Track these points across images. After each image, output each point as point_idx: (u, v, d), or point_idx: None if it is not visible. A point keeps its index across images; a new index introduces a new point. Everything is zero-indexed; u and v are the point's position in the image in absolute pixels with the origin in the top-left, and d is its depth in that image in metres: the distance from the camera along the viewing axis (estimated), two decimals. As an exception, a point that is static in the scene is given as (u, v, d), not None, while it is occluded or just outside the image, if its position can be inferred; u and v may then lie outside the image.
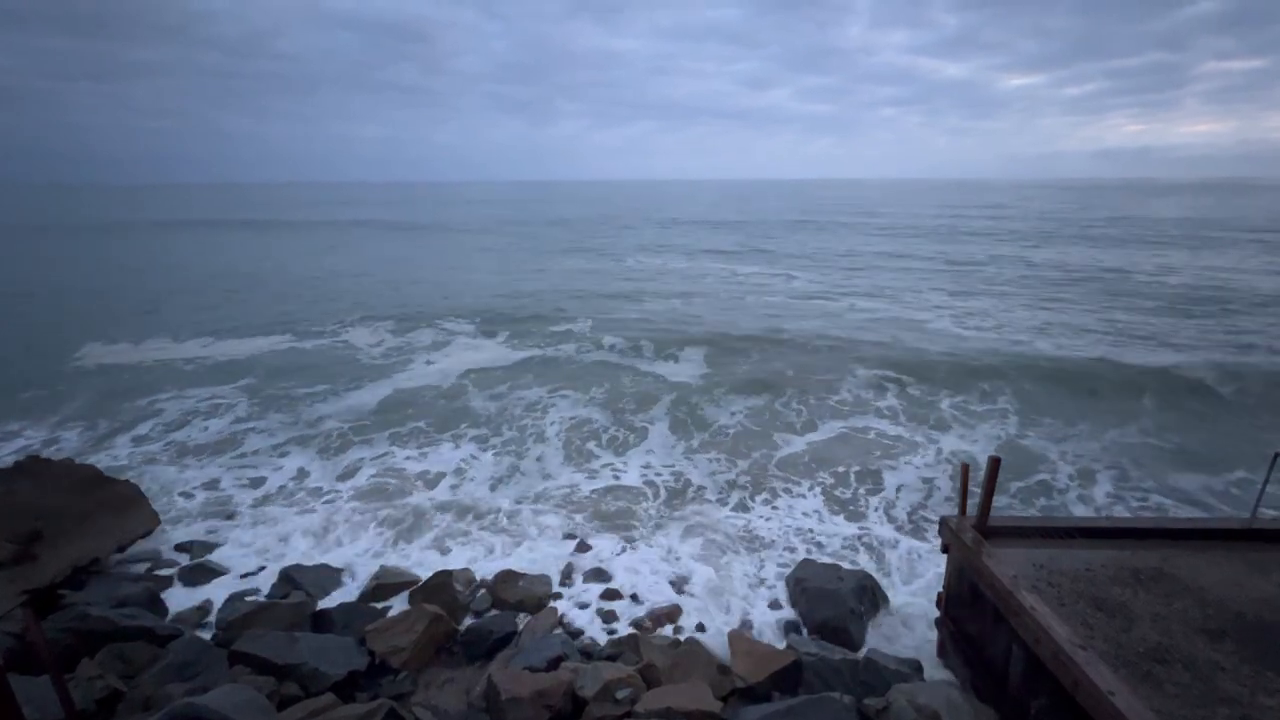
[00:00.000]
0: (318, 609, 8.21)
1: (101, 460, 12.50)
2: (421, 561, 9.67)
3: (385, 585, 8.78)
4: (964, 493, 7.27)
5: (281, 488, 12.02)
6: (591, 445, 13.73)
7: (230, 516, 10.89)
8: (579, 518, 10.86)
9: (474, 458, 13.25)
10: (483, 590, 8.86)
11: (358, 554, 9.85)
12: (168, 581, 8.96)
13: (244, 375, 18.24)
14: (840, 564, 9.05)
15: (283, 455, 13.32)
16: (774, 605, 8.54)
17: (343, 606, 8.35)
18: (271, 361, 19.64)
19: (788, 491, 11.74)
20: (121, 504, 10.05)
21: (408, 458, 13.20)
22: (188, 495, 11.65)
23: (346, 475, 12.48)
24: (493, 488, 12.05)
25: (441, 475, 12.48)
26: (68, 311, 26.97)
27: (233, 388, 17.25)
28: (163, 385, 17.31)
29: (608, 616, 8.34)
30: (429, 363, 19.59)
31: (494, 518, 10.90)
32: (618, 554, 9.76)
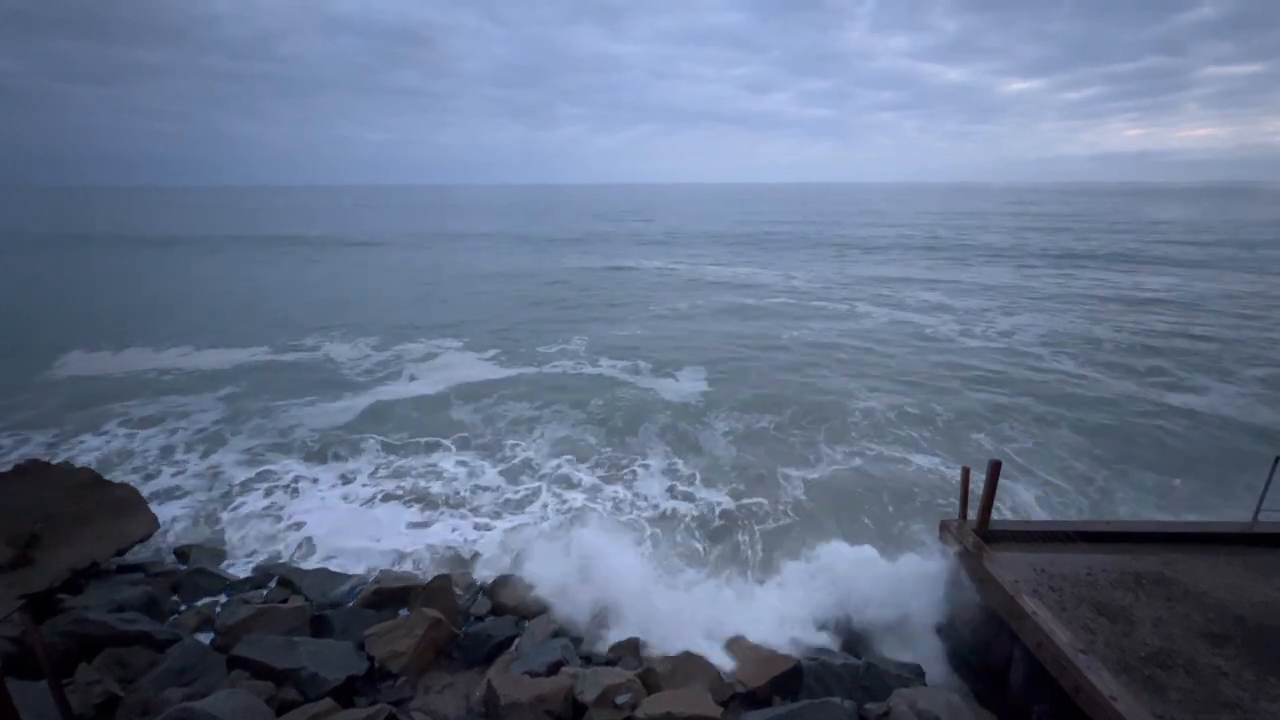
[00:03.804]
0: (317, 613, 8.17)
1: (91, 465, 12.38)
2: (420, 562, 9.66)
3: (385, 589, 8.74)
4: (964, 496, 7.25)
5: (277, 492, 11.94)
6: (587, 457, 13.44)
7: (230, 520, 10.82)
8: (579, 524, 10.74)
9: (469, 463, 13.10)
10: (482, 594, 8.83)
11: (358, 556, 9.80)
12: (166, 585, 8.91)
13: (227, 384, 17.89)
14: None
15: (275, 460, 13.16)
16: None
17: (342, 610, 8.31)
18: (257, 373, 19.18)
19: (786, 493, 11.70)
20: (120, 507, 10.00)
21: (402, 463, 13.08)
22: (184, 500, 11.56)
23: (341, 480, 12.37)
24: (491, 494, 11.94)
25: (438, 480, 12.36)
26: (53, 320, 26.26)
27: (213, 397, 16.91)
28: (147, 393, 17.03)
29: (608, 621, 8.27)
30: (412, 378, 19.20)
31: (492, 522, 10.85)
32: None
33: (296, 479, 12.44)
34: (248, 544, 10.19)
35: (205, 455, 13.45)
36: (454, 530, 10.69)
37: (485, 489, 12.09)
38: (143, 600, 8.22)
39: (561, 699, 6.39)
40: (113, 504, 10.04)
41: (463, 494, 11.89)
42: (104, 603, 7.90)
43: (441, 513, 11.17)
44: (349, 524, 10.79)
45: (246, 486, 12.17)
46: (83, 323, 25.46)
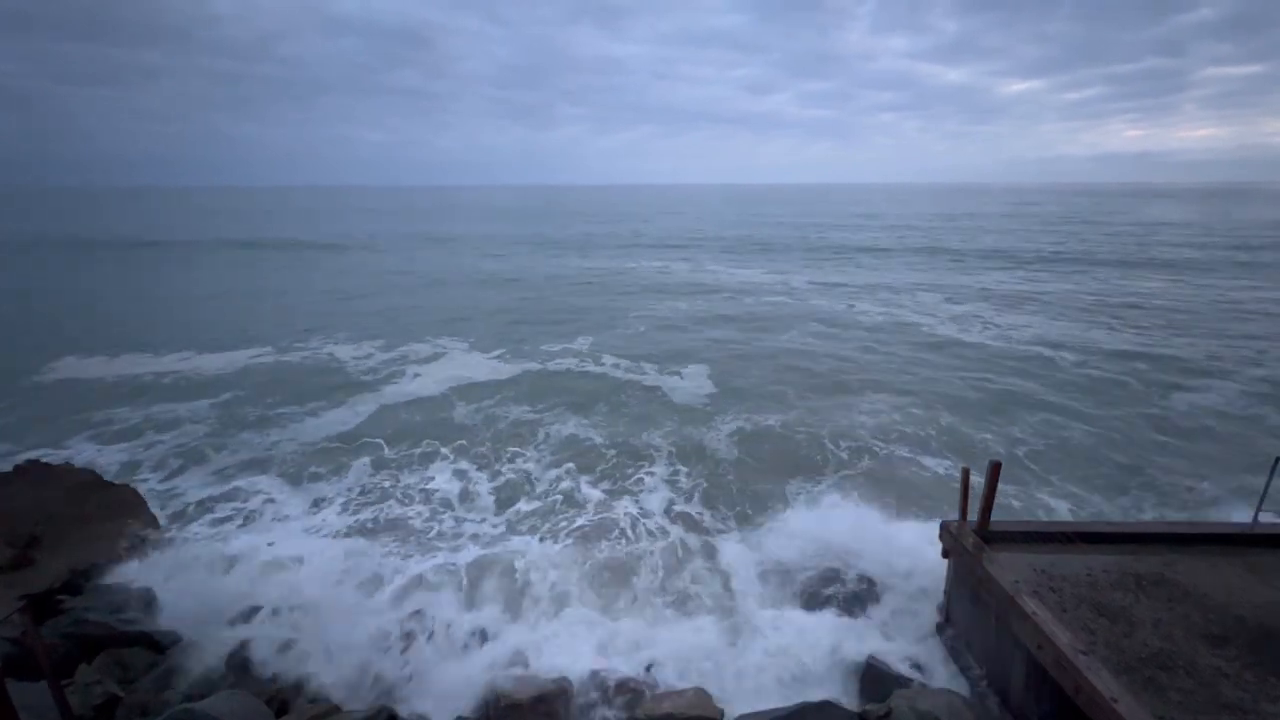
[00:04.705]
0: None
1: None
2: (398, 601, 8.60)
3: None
4: (964, 497, 7.24)
5: (234, 519, 11.03)
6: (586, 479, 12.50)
7: (160, 554, 9.73)
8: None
9: (465, 475, 12.45)
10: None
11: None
12: (167, 587, 8.87)
13: (226, 389, 17.49)
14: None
15: (248, 480, 12.27)
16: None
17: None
18: (258, 376, 18.75)
19: (793, 496, 11.69)
20: (121, 508, 10.01)
21: (388, 483, 12.22)
22: (180, 503, 11.40)
23: (312, 506, 11.46)
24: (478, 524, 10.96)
25: (432, 500, 11.63)
26: (49, 324, 25.71)
27: (209, 403, 16.42)
28: (136, 400, 16.45)
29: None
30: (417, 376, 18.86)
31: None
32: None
33: (265, 503, 11.44)
34: (246, 545, 9.51)
35: (171, 475, 12.52)
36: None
37: (466, 519, 11.00)
38: (142, 601, 8.21)
39: (561, 700, 6.39)
40: (114, 505, 10.05)
41: (444, 523, 10.84)
42: (104, 604, 7.89)
43: (411, 547, 10.09)
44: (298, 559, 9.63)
45: (198, 512, 11.11)
46: (80, 326, 25.05)
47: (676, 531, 10.62)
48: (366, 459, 13.14)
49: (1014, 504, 11.21)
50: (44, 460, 11.12)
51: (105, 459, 13.15)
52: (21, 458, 11.50)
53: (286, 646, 7.17)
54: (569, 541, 10.11)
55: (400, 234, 69.79)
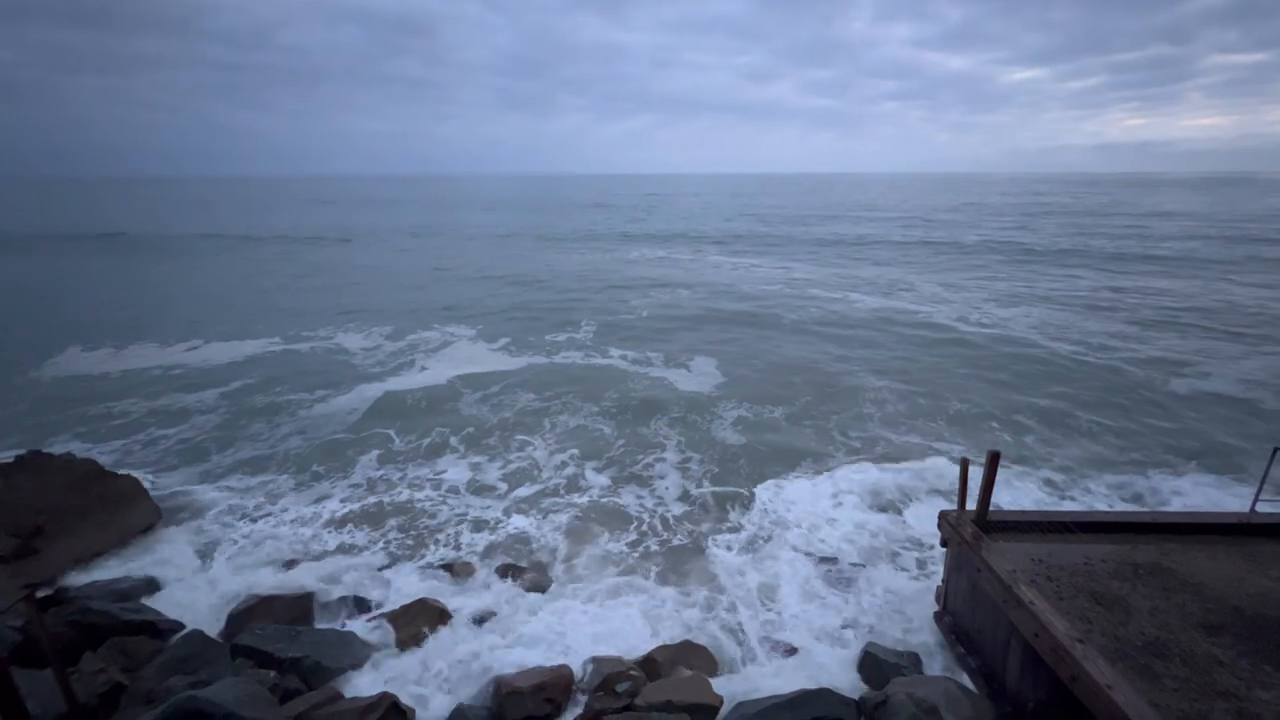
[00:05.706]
0: (322, 602, 8.21)
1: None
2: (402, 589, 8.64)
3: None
4: (963, 487, 7.27)
5: (268, 495, 11.18)
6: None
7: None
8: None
9: (473, 465, 12.48)
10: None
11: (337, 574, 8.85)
12: (170, 575, 8.92)
13: (235, 379, 17.47)
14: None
15: (243, 480, 11.98)
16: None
17: (345, 599, 8.36)
18: (266, 367, 18.67)
19: (798, 494, 11.73)
20: (122, 498, 10.06)
21: (396, 476, 12.10)
22: (183, 493, 11.43)
23: (314, 502, 11.18)
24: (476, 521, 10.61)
25: (440, 488, 11.62)
26: (52, 318, 25.49)
27: (218, 392, 16.40)
28: (137, 394, 16.27)
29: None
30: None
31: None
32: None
33: (270, 492, 11.31)
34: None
35: (175, 465, 12.41)
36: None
37: (472, 507, 10.86)
38: (146, 590, 8.29)
39: (562, 687, 6.44)
40: (115, 495, 10.10)
41: (451, 511, 10.76)
42: (107, 593, 7.97)
43: (418, 536, 10.01)
44: (333, 539, 9.75)
45: (201, 502, 10.91)
46: (84, 320, 24.87)
47: (682, 517, 10.71)
48: (374, 448, 13.21)
49: (1016, 492, 11.26)
50: (46, 451, 11.15)
51: (109, 449, 13.20)
52: (25, 449, 11.50)
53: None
54: (574, 528, 10.20)
55: (403, 224, 69.59)
